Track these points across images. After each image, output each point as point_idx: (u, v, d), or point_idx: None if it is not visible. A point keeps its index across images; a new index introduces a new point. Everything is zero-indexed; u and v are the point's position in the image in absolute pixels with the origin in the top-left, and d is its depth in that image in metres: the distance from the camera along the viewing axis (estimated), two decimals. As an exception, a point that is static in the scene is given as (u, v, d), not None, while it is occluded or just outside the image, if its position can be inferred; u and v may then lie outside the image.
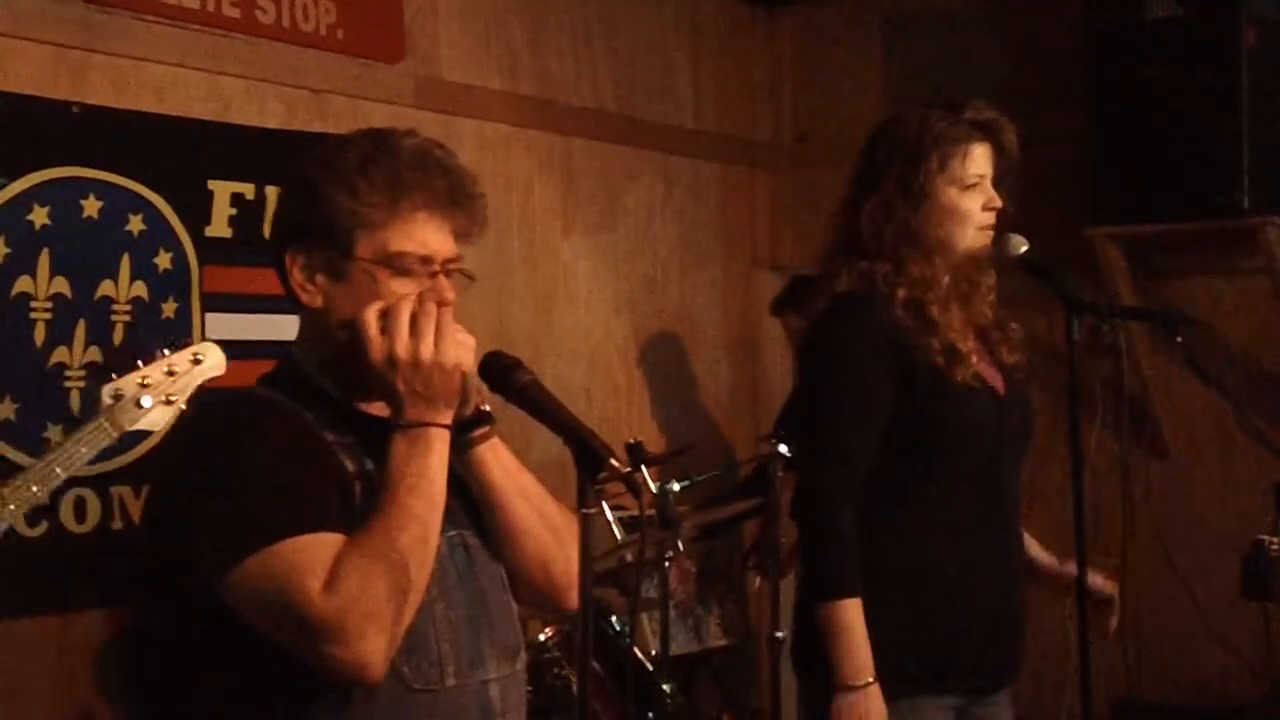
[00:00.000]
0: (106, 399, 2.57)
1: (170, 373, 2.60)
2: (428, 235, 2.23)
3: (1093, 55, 5.07)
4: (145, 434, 3.82)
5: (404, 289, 2.21)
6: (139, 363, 2.58)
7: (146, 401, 2.57)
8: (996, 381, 3.20)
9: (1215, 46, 4.82)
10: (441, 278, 2.24)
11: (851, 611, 3.02)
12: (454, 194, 2.26)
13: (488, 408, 2.31)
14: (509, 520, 2.34)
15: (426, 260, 2.23)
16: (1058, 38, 5.39)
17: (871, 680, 3.02)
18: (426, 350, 2.15)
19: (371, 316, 2.18)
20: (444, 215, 2.25)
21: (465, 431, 2.29)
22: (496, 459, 2.33)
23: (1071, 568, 3.32)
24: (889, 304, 3.10)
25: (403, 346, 2.15)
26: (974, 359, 3.15)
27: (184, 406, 2.63)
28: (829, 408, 3.15)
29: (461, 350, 2.20)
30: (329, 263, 2.24)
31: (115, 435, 2.57)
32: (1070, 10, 5.21)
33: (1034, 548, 3.46)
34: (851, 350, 3.12)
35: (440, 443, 2.18)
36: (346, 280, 2.23)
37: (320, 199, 2.23)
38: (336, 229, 2.22)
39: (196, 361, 2.61)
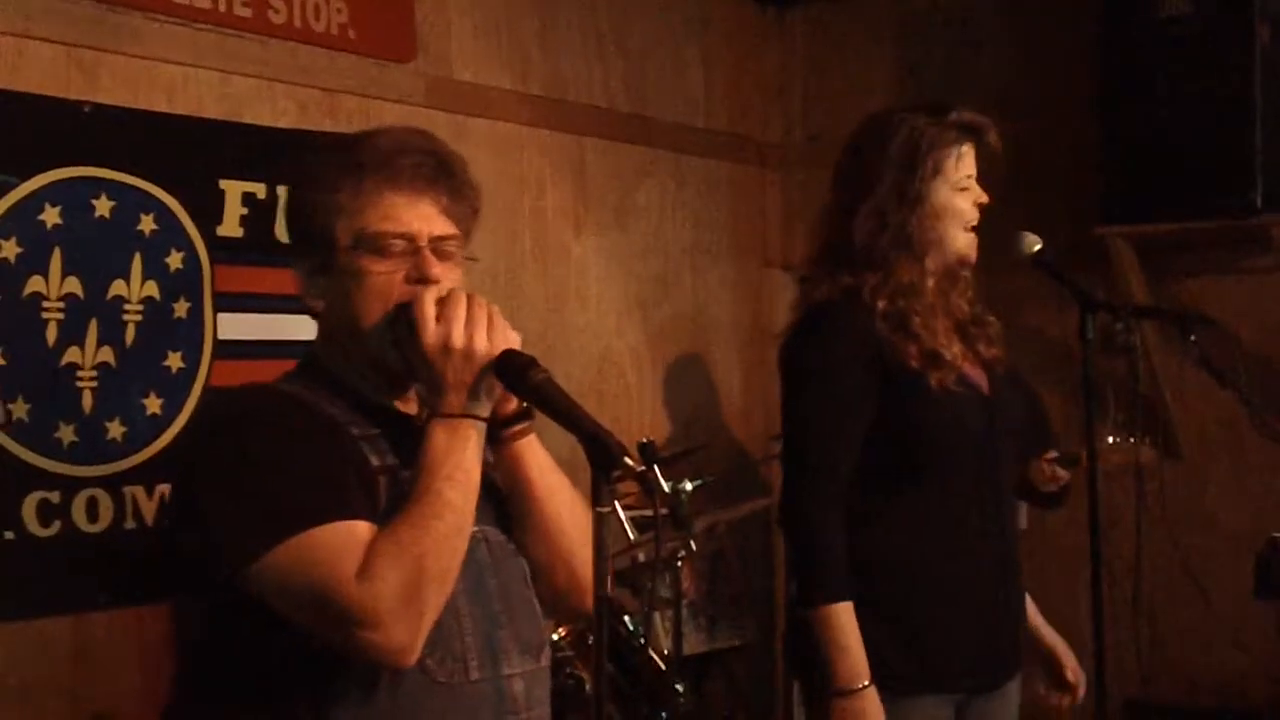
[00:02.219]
0: None
1: None
2: (402, 213, 2.25)
3: (1105, 53, 5.06)
4: (157, 434, 3.87)
5: (385, 269, 2.23)
6: None
7: None
8: (981, 381, 3.20)
9: (1228, 44, 4.80)
10: (426, 254, 2.25)
11: (844, 616, 3.02)
12: (428, 171, 2.27)
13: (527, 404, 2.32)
14: (542, 517, 2.35)
15: (407, 238, 2.24)
16: (1070, 36, 5.38)
17: (868, 683, 3.01)
18: (481, 343, 2.16)
19: (429, 300, 2.20)
20: (417, 193, 2.26)
21: (506, 426, 2.30)
22: (533, 456, 2.35)
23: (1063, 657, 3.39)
24: (869, 314, 3.10)
25: (459, 336, 2.16)
26: (957, 362, 3.15)
27: None
28: (810, 414, 3.16)
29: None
30: (322, 262, 2.27)
31: None
32: (1082, 8, 5.20)
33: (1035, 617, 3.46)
34: (830, 356, 3.12)
35: (478, 435, 2.19)
36: (337, 273, 2.26)
37: (304, 202, 2.30)
38: (318, 226, 2.26)
39: None
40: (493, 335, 2.18)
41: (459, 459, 2.16)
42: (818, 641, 3.04)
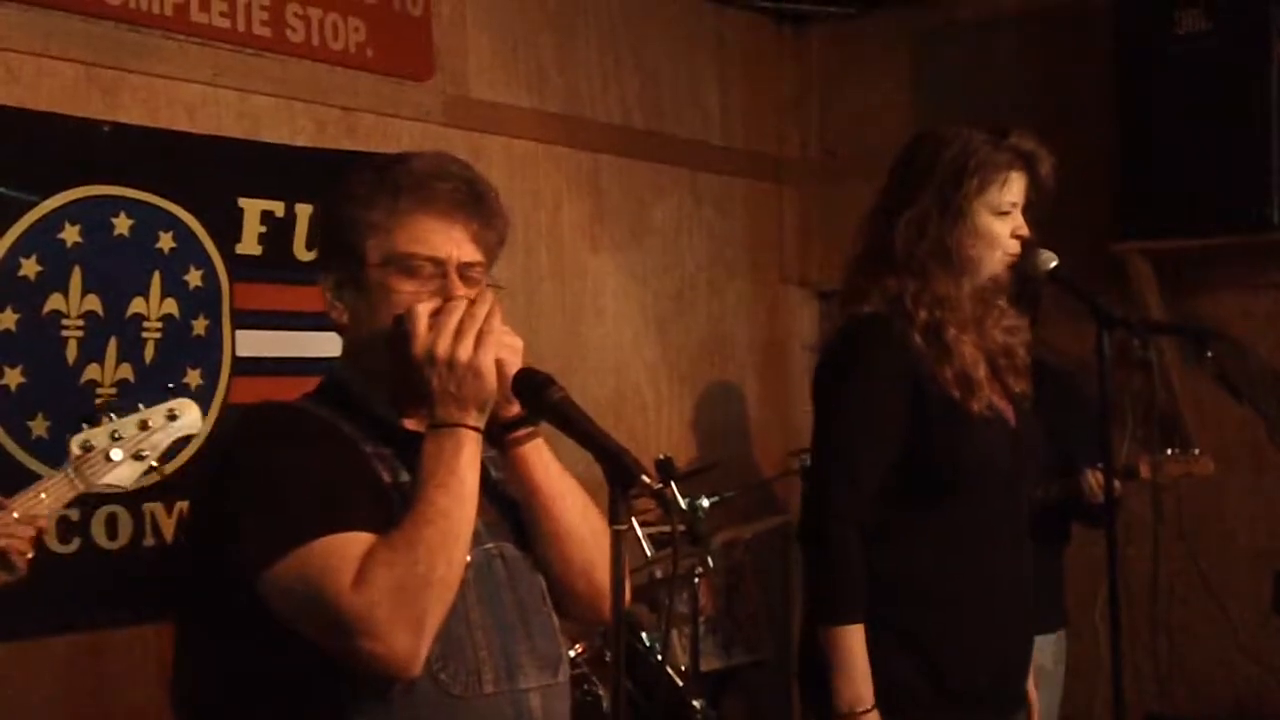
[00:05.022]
0: (75, 450, 2.54)
1: (144, 426, 2.57)
2: (433, 236, 2.28)
3: (1122, 69, 5.06)
4: (178, 450, 3.88)
5: (411, 289, 2.26)
6: (111, 415, 2.56)
7: (116, 455, 2.54)
8: (1007, 411, 3.19)
9: (1245, 60, 4.81)
10: (454, 279, 2.28)
11: (854, 637, 3.00)
12: (461, 197, 2.30)
13: None
14: (553, 522, 2.36)
15: (437, 262, 2.27)
16: (1086, 53, 5.38)
17: (870, 708, 2.99)
18: (464, 352, 2.18)
19: (423, 311, 2.23)
20: (450, 218, 2.29)
21: (509, 431, 2.31)
22: (540, 459, 2.36)
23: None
24: (908, 327, 3.09)
25: (444, 345, 2.18)
26: (985, 388, 3.14)
27: (155, 464, 2.61)
28: (841, 430, 3.13)
29: (508, 353, 2.23)
30: (350, 278, 2.31)
31: (82, 488, 2.54)
32: (1099, 24, 5.20)
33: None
34: (867, 372, 3.10)
35: (470, 443, 2.20)
36: (365, 290, 2.29)
37: (335, 218, 2.33)
38: (349, 242, 2.29)
39: (172, 418, 2.59)
40: (479, 346, 2.19)
41: (451, 466, 2.18)
42: (825, 661, 3.02)
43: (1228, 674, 5.25)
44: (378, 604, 2.07)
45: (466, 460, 2.19)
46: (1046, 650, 4.55)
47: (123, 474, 2.57)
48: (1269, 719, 5.13)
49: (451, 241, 2.28)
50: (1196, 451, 4.52)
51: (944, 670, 3.07)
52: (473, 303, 2.23)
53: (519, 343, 2.26)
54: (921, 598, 3.09)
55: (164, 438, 2.60)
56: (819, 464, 3.19)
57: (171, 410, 2.60)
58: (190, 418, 2.63)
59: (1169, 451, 4.56)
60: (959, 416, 3.06)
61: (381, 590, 2.07)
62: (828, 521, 3.07)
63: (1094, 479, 4.23)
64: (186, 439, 2.70)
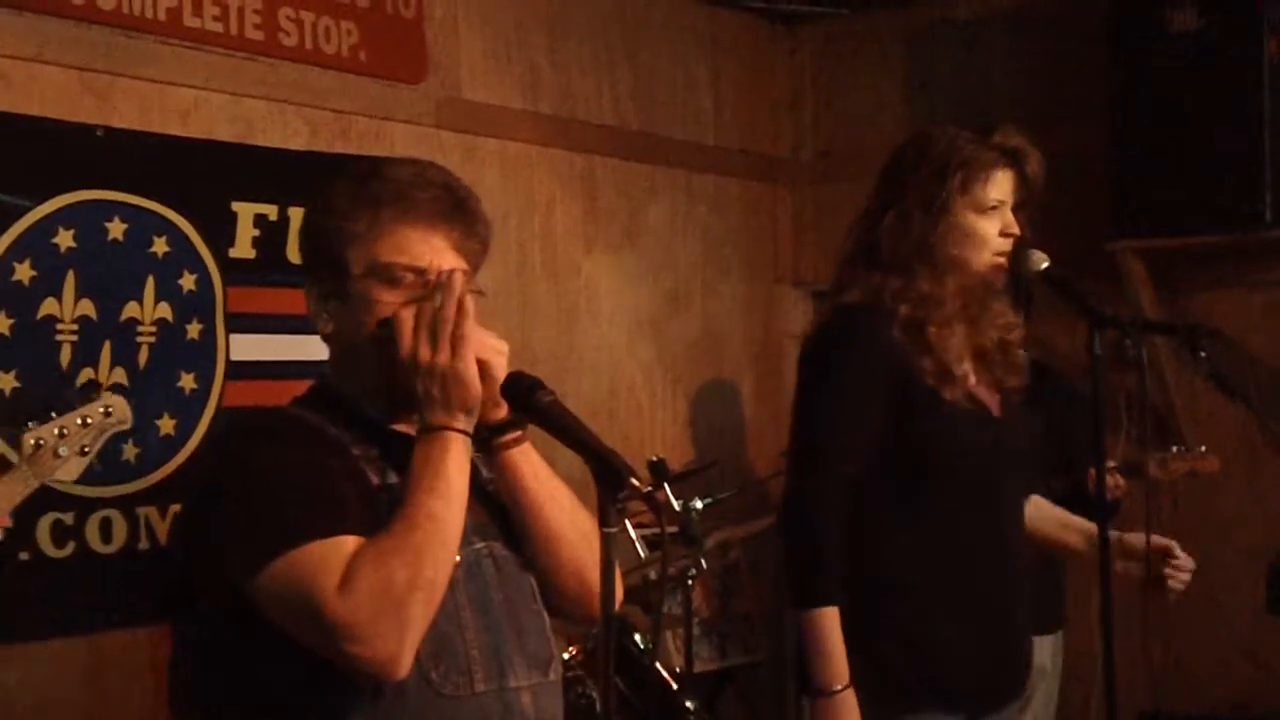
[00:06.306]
0: (29, 446, 2.59)
1: (84, 423, 2.64)
2: (414, 245, 2.28)
3: (1114, 68, 5.07)
4: (171, 455, 3.89)
5: (394, 299, 2.26)
6: (53, 413, 2.62)
7: (63, 451, 2.61)
8: (992, 402, 3.19)
9: (1237, 58, 4.81)
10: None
11: (829, 620, 3.01)
12: (442, 206, 2.31)
13: None
14: (543, 525, 2.37)
15: (418, 271, 2.27)
16: (1079, 51, 5.39)
17: (845, 686, 3.01)
18: (443, 357, 2.19)
19: (407, 315, 2.22)
20: (430, 226, 2.29)
21: (496, 435, 2.32)
22: (528, 463, 2.37)
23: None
24: (889, 320, 3.10)
25: (425, 350, 2.19)
26: (970, 380, 3.14)
27: (93, 459, 2.70)
28: (819, 415, 3.15)
29: (493, 355, 2.23)
30: (333, 288, 2.31)
31: (36, 484, 2.60)
32: (1092, 23, 5.21)
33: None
34: (847, 360, 3.12)
35: (458, 446, 2.21)
36: (348, 300, 2.30)
37: (317, 227, 2.34)
38: (331, 252, 2.30)
39: (107, 414, 2.66)
40: (457, 349, 2.20)
41: (439, 469, 2.18)
42: (802, 642, 3.04)
43: (1222, 672, 5.26)
44: (362, 608, 2.07)
45: (454, 463, 2.20)
46: (1045, 649, 4.56)
47: (70, 469, 2.66)
48: (1264, 717, 5.13)
49: (432, 250, 2.28)
50: (1203, 449, 4.52)
51: (931, 659, 3.08)
52: (441, 306, 2.23)
53: (504, 346, 2.27)
54: (904, 588, 3.10)
55: (102, 433, 2.67)
56: (796, 449, 3.19)
57: (107, 407, 2.67)
58: (122, 413, 2.74)
59: (1174, 449, 4.56)
60: (935, 405, 3.07)
61: (366, 594, 2.08)
62: (806, 503, 3.09)
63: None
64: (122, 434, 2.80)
